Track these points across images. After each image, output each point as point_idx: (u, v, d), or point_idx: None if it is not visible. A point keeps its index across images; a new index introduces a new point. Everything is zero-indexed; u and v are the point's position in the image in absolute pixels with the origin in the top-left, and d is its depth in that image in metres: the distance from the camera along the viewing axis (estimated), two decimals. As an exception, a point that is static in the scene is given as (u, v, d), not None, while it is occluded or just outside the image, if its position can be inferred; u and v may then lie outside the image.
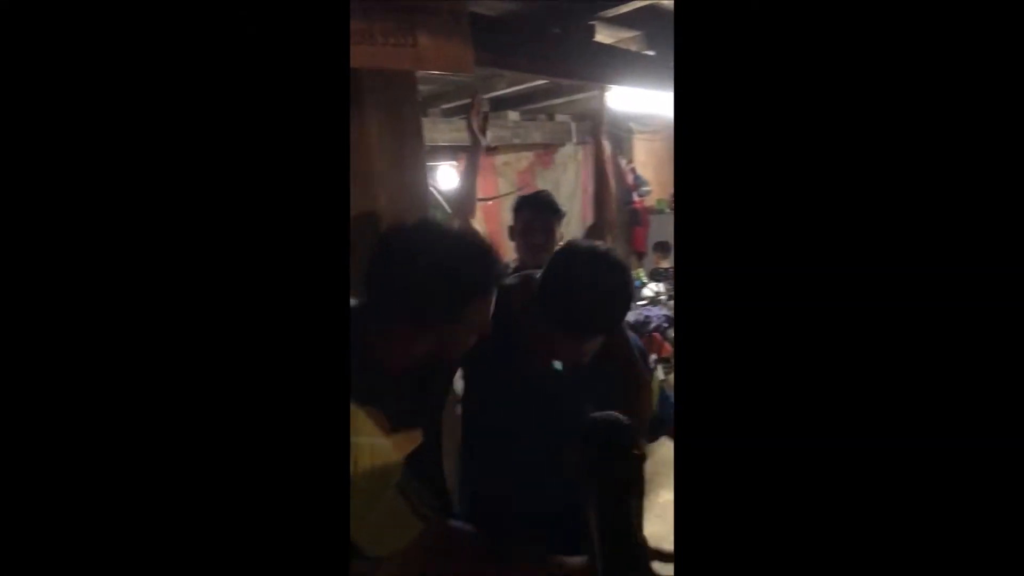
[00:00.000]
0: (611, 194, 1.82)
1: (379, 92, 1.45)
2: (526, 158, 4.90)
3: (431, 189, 1.65)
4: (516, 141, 3.59)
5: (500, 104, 3.38)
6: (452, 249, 0.85)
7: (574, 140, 4.15)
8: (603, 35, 2.17)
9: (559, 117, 3.92)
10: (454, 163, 4.71)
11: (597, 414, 0.80)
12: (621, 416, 0.79)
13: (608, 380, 1.01)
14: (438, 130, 3.16)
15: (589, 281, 0.88)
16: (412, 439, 0.93)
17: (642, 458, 0.74)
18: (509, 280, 1.09)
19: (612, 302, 0.90)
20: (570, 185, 4.58)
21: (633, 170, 4.63)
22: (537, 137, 3.60)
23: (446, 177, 4.52)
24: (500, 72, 2.53)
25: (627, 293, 0.93)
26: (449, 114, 3.35)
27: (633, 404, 0.99)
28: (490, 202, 5.20)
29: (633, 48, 2.33)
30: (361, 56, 1.31)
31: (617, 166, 4.07)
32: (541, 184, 4.91)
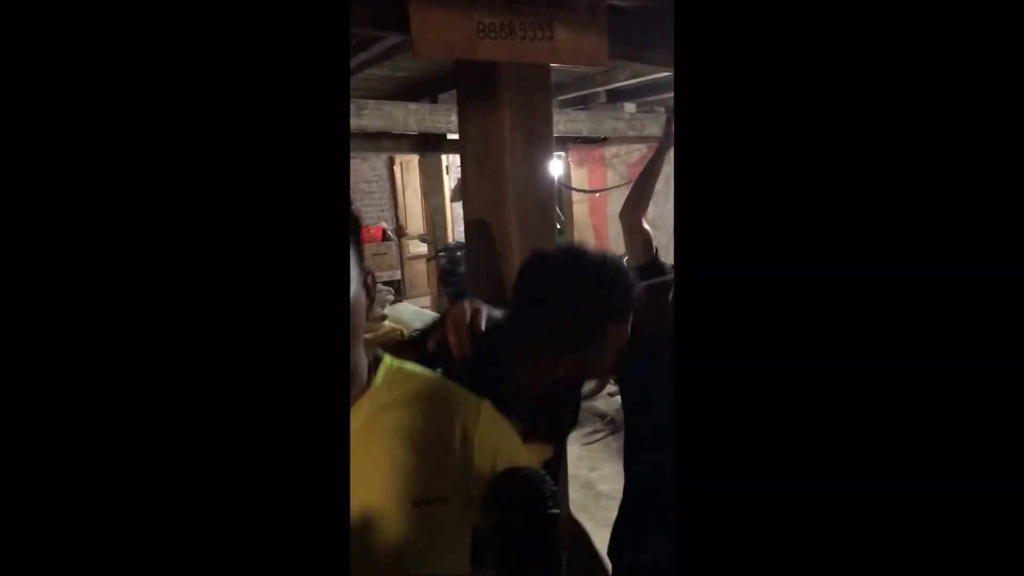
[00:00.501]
0: None
1: (513, 86, 1.46)
2: (637, 151, 4.80)
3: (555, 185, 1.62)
4: (631, 133, 3.51)
5: (617, 95, 3.32)
6: (591, 275, 0.87)
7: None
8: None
9: (677, 110, 3.80)
10: (562, 154, 4.69)
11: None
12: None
13: None
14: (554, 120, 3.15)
15: None
16: (542, 452, 0.95)
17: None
18: (655, 283, 1.09)
19: None
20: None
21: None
22: (653, 130, 3.51)
23: (556, 167, 4.52)
24: (622, 64, 2.48)
25: None
26: (565, 105, 3.33)
27: None
28: (597, 195, 5.14)
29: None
30: (500, 50, 1.31)
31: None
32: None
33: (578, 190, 5.10)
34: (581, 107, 3.41)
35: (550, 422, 0.99)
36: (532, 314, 0.89)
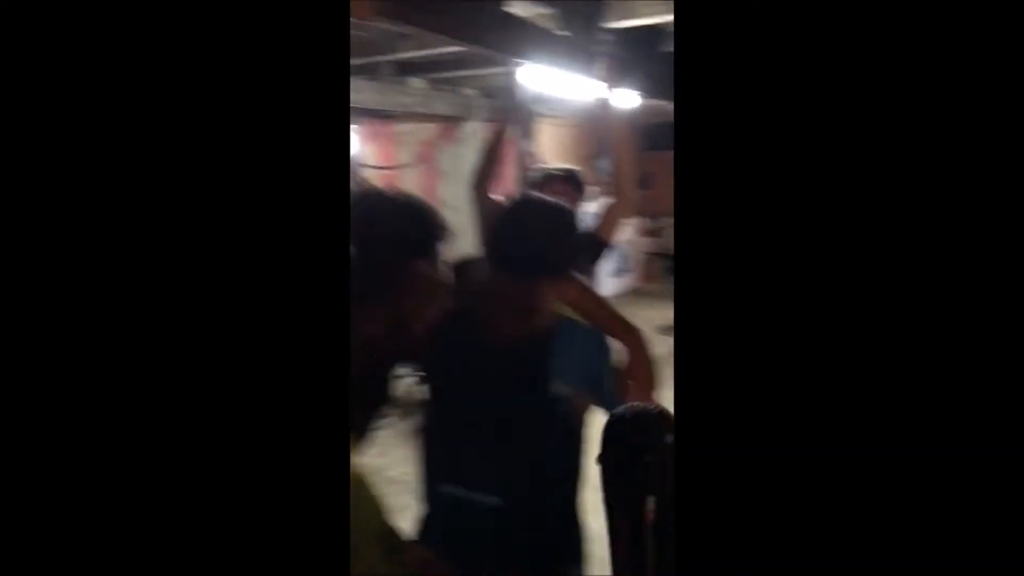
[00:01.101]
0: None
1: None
2: (428, 129, 4.75)
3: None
4: (420, 110, 3.44)
5: (405, 69, 3.22)
6: (384, 209, 0.87)
7: (481, 116, 4.04)
8: (517, 7, 2.09)
9: (465, 91, 3.80)
10: (355, 127, 4.48)
11: (622, 409, 0.72)
12: (648, 406, 0.72)
13: (584, 342, 0.94)
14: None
15: (535, 225, 0.93)
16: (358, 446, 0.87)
17: (671, 449, 0.65)
18: (466, 264, 1.05)
19: (556, 245, 0.93)
20: (473, 163, 4.48)
21: (533, 155, 4.58)
22: (442, 108, 3.48)
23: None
24: (406, 33, 2.38)
25: (572, 237, 0.97)
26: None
27: (636, 370, 0.95)
28: (387, 172, 5.01)
29: (547, 25, 2.26)
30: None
31: (521, 150, 3.99)
32: (444, 159, 4.77)
33: (371, 167, 4.93)
34: (368, 77, 3.25)
35: (355, 409, 0.89)
36: None
